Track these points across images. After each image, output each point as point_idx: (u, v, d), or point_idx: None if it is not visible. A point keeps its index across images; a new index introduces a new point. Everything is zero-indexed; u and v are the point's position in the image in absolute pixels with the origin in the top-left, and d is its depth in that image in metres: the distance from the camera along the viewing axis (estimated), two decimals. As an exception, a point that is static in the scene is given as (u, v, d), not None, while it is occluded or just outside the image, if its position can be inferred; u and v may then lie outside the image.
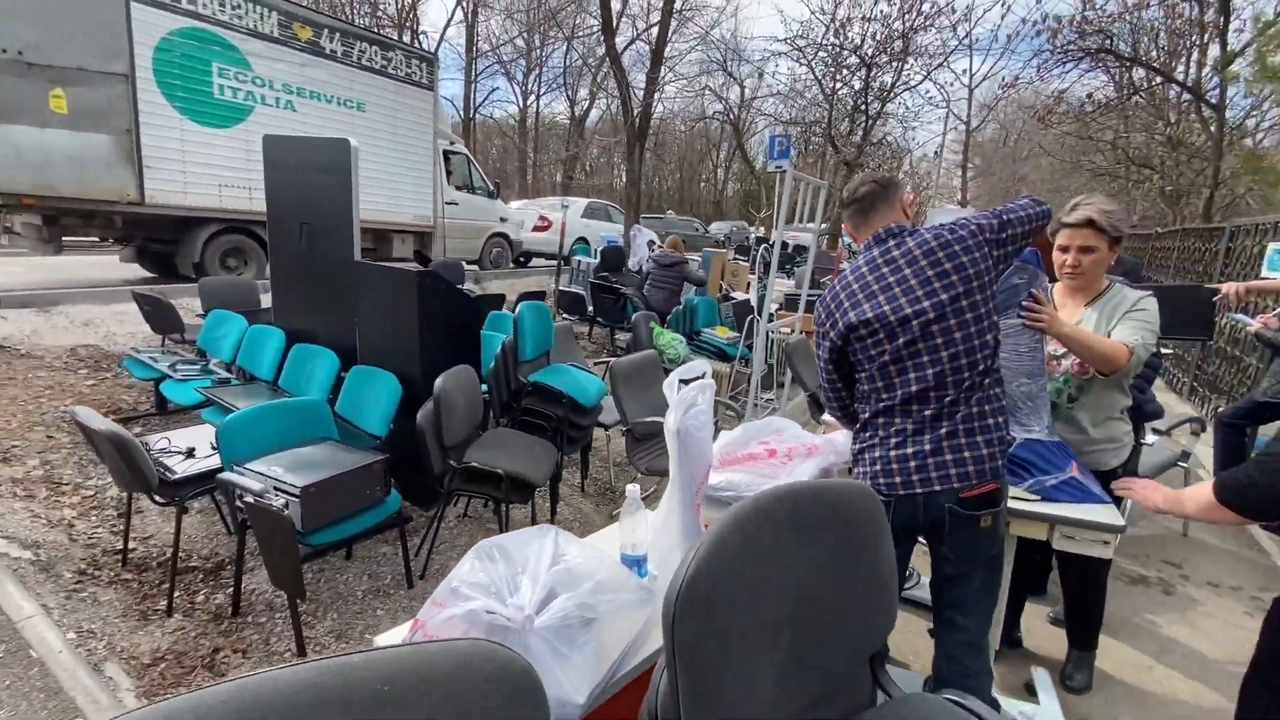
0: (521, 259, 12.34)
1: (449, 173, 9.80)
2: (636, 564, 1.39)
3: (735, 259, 12.32)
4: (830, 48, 10.60)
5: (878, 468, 1.68)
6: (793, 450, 1.92)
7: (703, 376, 1.77)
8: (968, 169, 27.35)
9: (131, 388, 4.67)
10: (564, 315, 7.45)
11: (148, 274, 7.89)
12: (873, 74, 10.55)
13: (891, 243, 1.70)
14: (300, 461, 2.47)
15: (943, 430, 1.61)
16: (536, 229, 12.01)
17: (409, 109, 8.62)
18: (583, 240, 12.35)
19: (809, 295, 8.18)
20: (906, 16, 9.89)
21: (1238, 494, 1.37)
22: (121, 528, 3.02)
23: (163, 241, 6.95)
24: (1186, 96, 9.88)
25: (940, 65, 11.66)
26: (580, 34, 24.80)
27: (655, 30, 17.88)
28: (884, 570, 1.10)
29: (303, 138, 3.84)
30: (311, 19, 7.46)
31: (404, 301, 3.25)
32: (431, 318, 3.25)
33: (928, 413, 1.62)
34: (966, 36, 11.52)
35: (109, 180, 5.89)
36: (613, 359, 3.69)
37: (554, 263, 12.98)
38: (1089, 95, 9.78)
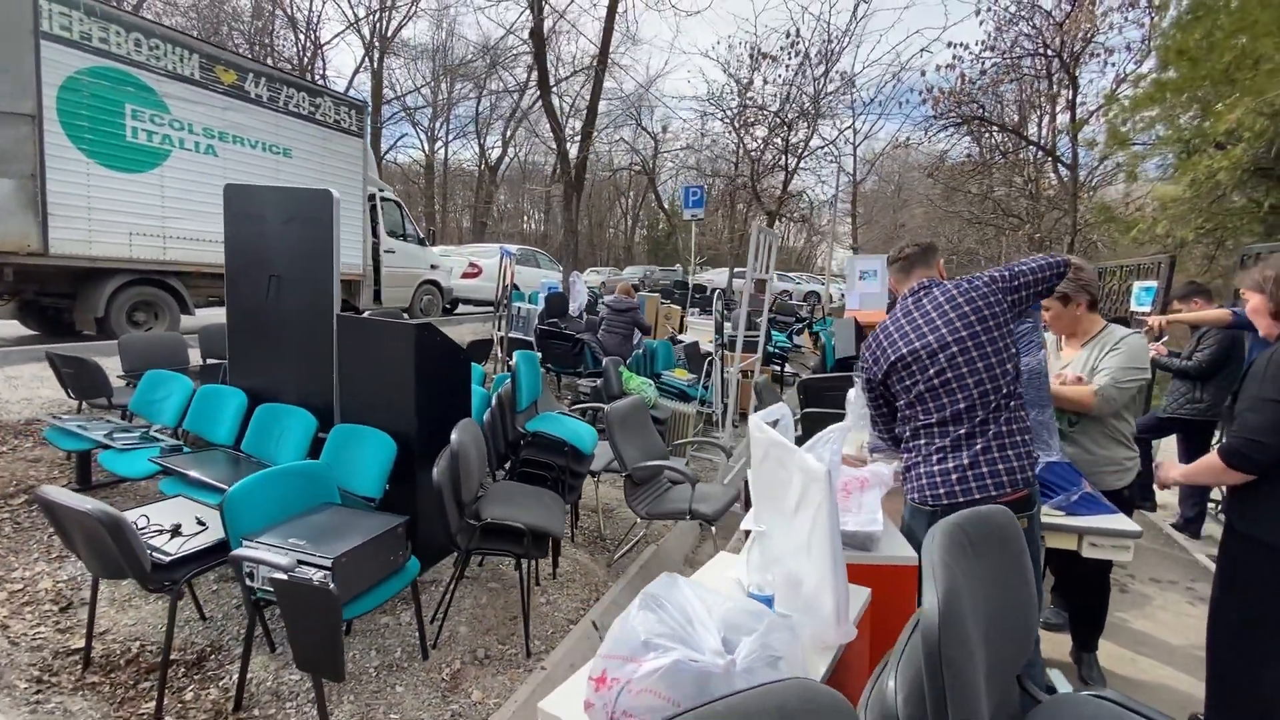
0: (448, 306, 12.06)
1: (374, 222, 9.52)
2: (767, 603, 1.44)
3: (664, 302, 12.70)
4: (749, 108, 11.48)
5: (923, 482, 1.92)
6: (848, 484, 2.04)
7: (780, 420, 1.88)
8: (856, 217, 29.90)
9: (38, 461, 4.12)
10: (511, 363, 7.35)
11: (29, 331, 7.02)
12: (792, 132, 11.56)
13: (922, 293, 1.98)
14: (317, 530, 2.30)
15: (978, 446, 1.84)
16: (466, 275, 11.82)
17: (338, 155, 8.35)
18: (514, 287, 12.26)
19: (745, 337, 8.62)
20: (817, 82, 10.97)
21: (1243, 459, 1.70)
22: (67, 624, 2.67)
23: (57, 295, 6.23)
24: (1044, 156, 11.52)
25: (849, 127, 12.98)
26: (491, 87, 25.13)
27: (581, 84, 18.47)
28: (1031, 586, 1.22)
29: (273, 188, 3.66)
30: (235, 62, 7.14)
31: (399, 355, 3.13)
32: (427, 371, 3.16)
33: (962, 431, 1.86)
34: (854, 102, 12.86)
35: (8, 229, 5.25)
36: (606, 405, 3.71)
37: (482, 310, 12.80)
38: (968, 155, 11.23)
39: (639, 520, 3.47)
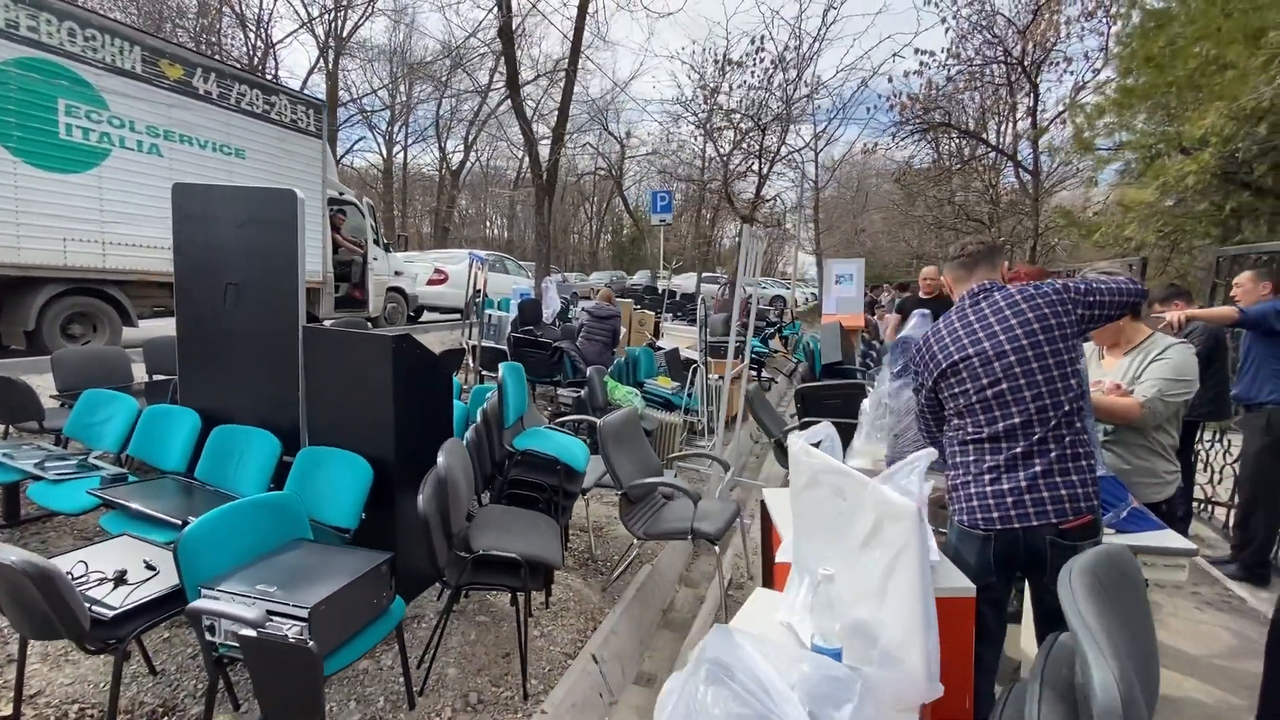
0: (413, 314, 11.63)
1: (336, 227, 9.09)
2: (835, 656, 1.26)
3: (636, 308, 12.53)
4: (718, 112, 11.42)
5: (974, 504, 1.76)
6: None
7: (824, 440, 1.70)
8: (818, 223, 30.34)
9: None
10: (485, 373, 7.05)
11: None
12: (764, 136, 11.52)
13: (982, 295, 1.82)
14: (288, 573, 2.02)
15: (1036, 468, 1.69)
16: (432, 282, 11.43)
17: (295, 157, 7.91)
18: (484, 294, 11.91)
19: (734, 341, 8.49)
20: (788, 86, 11.01)
21: None
22: (-12, 689, 2.32)
23: (-20, 307, 5.68)
24: (1007, 161, 11.80)
25: (820, 134, 13.03)
26: (454, 89, 24.66)
27: (547, 87, 18.16)
28: (1154, 633, 1.07)
29: (229, 187, 3.34)
30: (182, 56, 6.68)
31: (374, 371, 2.86)
32: (406, 387, 2.89)
33: (1018, 450, 1.71)
34: (815, 109, 12.91)
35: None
36: (596, 418, 3.49)
37: (447, 317, 12.39)
38: (934, 160, 11.43)
39: (634, 540, 3.26)
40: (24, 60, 5.35)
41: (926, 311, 2.59)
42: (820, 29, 9.99)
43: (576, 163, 26.33)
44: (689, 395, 5.87)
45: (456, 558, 2.45)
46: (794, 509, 1.62)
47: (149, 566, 2.23)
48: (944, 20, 9.82)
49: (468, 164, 31.29)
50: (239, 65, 20.26)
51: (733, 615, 1.65)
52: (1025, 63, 9.75)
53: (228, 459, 3.12)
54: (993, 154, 11.62)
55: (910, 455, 1.40)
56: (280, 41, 21.99)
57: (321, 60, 22.90)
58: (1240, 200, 6.48)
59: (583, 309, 6.55)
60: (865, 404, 2.61)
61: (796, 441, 1.57)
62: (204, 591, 1.90)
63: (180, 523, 2.60)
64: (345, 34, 23.43)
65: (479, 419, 3.20)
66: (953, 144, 11.88)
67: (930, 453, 1.44)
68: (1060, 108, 9.88)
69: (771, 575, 2.31)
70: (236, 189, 3.22)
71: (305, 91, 16.76)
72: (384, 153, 29.79)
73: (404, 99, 28.07)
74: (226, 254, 3.19)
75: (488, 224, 41.80)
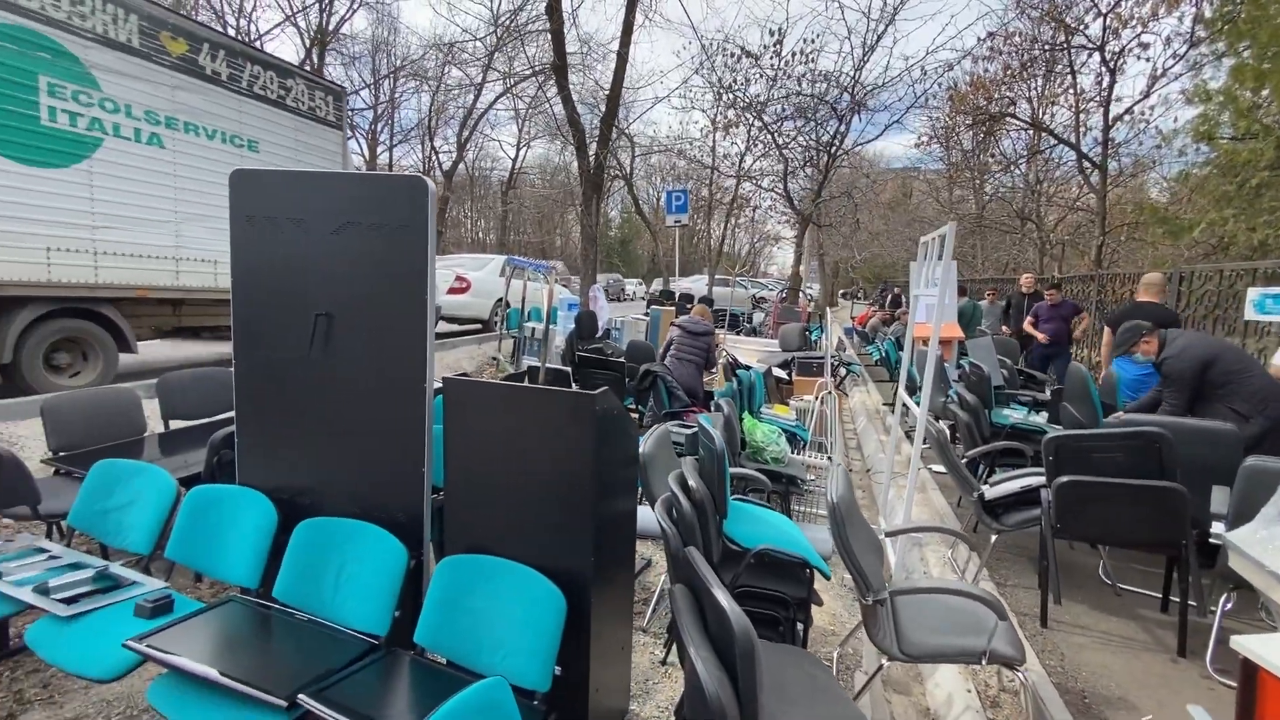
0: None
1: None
2: None
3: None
4: (779, 99, 10.52)
5: None
6: None
7: None
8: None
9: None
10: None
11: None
12: (821, 129, 10.64)
13: None
14: None
15: None
16: (452, 291, 10.37)
17: (314, 151, 6.86)
18: (502, 302, 10.88)
19: (803, 359, 7.54)
20: (857, 72, 10.10)
21: None
22: None
23: (-58, 335, 4.57)
24: (1061, 155, 11.10)
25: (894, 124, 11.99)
26: (444, 85, 23.52)
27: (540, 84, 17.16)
28: None
29: (323, 173, 2.34)
30: (187, 29, 5.61)
31: (563, 444, 1.91)
32: (605, 467, 1.94)
33: None
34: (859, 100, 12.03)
35: None
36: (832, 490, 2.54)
37: (468, 329, 11.32)
38: (994, 154, 10.69)
39: (883, 660, 2.33)
40: (-5, 26, 4.26)
41: None
42: (885, 7, 9.18)
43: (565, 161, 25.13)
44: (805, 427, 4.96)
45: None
46: None
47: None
48: (1018, 2, 9.05)
49: (459, 166, 30.04)
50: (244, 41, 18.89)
51: None
52: (1104, 49, 9.04)
53: (324, 571, 2.14)
54: (1051, 147, 10.91)
55: None
56: (267, 33, 20.66)
57: (310, 56, 21.58)
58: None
59: (674, 324, 5.61)
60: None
61: None
62: None
63: (285, 702, 1.64)
64: (331, 27, 22.14)
65: (679, 496, 2.24)
66: (1007, 137, 11.21)
67: None
68: (1139, 95, 9.19)
69: None
70: (333, 175, 2.23)
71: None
72: (365, 153, 28.44)
73: (388, 96, 26.78)
74: (316, 271, 2.20)
75: (469, 227, 40.55)
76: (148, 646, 1.80)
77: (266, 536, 2.26)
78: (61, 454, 3.16)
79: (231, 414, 3.78)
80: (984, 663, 2.23)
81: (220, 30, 14.69)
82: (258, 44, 20.01)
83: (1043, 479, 3.05)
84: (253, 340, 2.35)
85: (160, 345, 6.57)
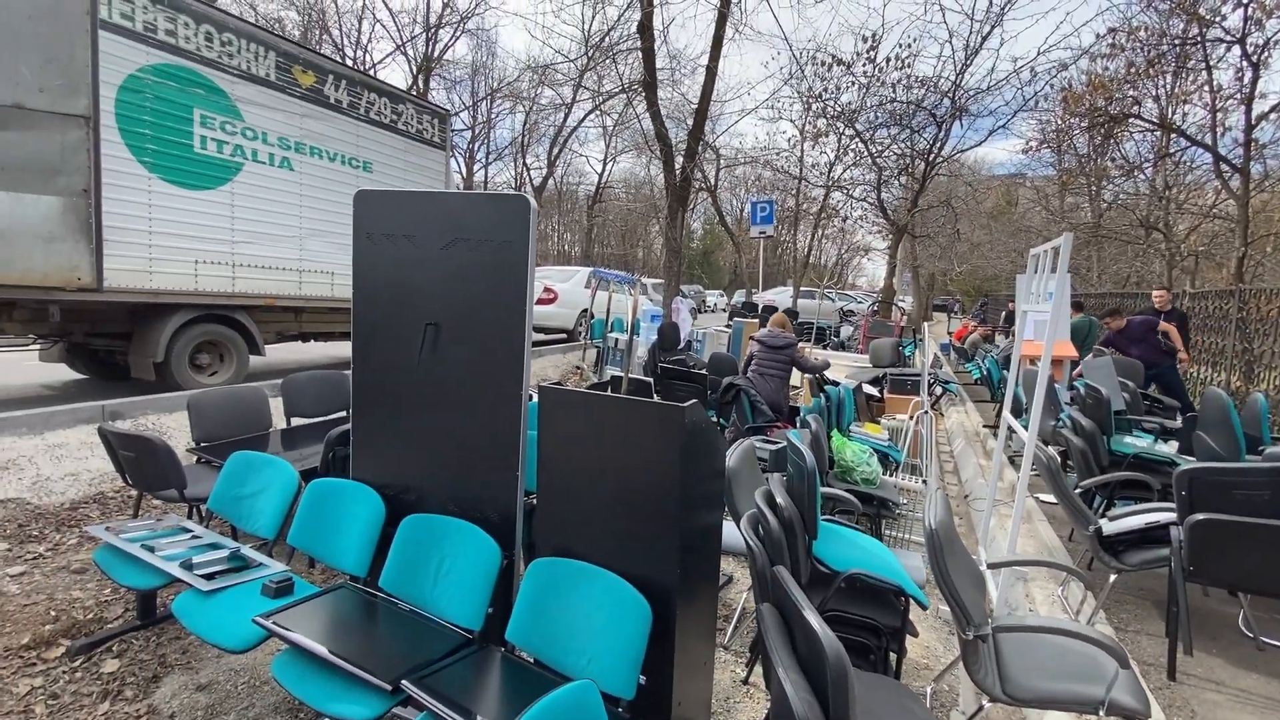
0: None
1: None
2: None
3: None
4: (883, 104, 10.21)
5: None
6: None
7: None
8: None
9: (83, 577, 3.02)
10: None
11: (78, 375, 6.05)
12: (918, 136, 10.25)
13: None
14: None
15: None
16: (540, 301, 10.73)
17: (420, 170, 7.35)
18: (586, 313, 11.15)
19: (896, 375, 7.21)
20: (959, 76, 9.66)
21: None
22: None
23: (110, 336, 5.24)
24: (1193, 158, 10.05)
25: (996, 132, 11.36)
26: (537, 104, 24.51)
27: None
28: None
29: (435, 192, 2.53)
30: (315, 62, 6.19)
31: (651, 456, 1.94)
32: (693, 481, 1.95)
33: None
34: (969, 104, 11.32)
35: (53, 259, 4.25)
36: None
37: (554, 338, 11.70)
38: (1115, 159, 9.84)
39: (984, 701, 2.18)
40: (162, 67, 4.88)
41: None
42: (990, 7, 8.70)
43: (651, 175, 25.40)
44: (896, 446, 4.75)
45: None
46: None
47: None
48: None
49: (550, 181, 31.14)
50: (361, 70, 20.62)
51: None
52: (1245, 42, 8.14)
53: (426, 564, 2.27)
54: (1184, 149, 9.88)
55: None
56: (380, 62, 22.35)
57: (415, 81, 23.14)
58: None
59: (753, 339, 5.55)
60: None
61: None
62: None
63: (389, 686, 1.75)
64: (436, 54, 23.64)
65: (767, 513, 2.21)
66: (1131, 139, 10.25)
67: None
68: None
69: None
70: (444, 194, 2.40)
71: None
72: (464, 171, 30.04)
73: (485, 117, 28.17)
74: (426, 284, 2.37)
75: (554, 239, 41.79)
76: (273, 623, 1.98)
77: (376, 529, 2.43)
78: (203, 444, 3.53)
79: (344, 413, 4.12)
80: (1102, 713, 2.05)
81: (340, 60, 16.07)
82: (372, 72, 21.72)
83: (1173, 515, 2.77)
84: (369, 347, 2.55)
85: (276, 349, 7.19)
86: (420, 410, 2.45)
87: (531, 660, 2.04)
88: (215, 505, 2.82)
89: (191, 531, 2.70)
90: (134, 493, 3.46)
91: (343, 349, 7.35)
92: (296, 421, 4.18)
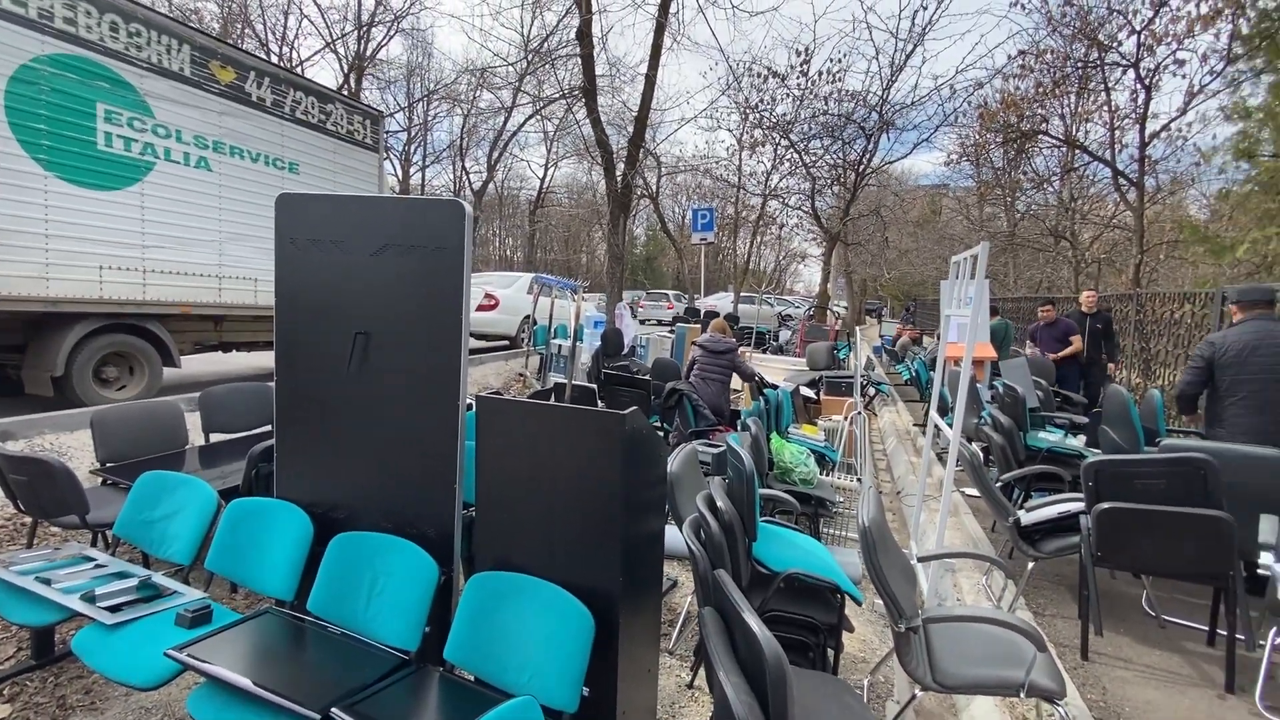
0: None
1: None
2: None
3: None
4: (806, 119, 10.59)
5: None
6: None
7: None
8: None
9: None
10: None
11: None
12: (848, 148, 10.68)
13: None
14: None
15: None
16: (481, 308, 10.53)
17: (351, 172, 7.08)
18: (529, 319, 11.01)
19: (832, 378, 7.46)
20: (884, 91, 10.17)
21: None
22: None
23: (2, 349, 4.80)
24: (1095, 173, 10.89)
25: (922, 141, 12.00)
26: (475, 107, 24.11)
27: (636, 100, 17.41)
28: None
29: (363, 197, 2.43)
30: (235, 58, 5.87)
31: (592, 464, 1.92)
32: (633, 488, 1.95)
33: None
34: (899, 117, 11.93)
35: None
36: (860, 515, 2.51)
37: (496, 345, 11.48)
38: (1023, 172, 10.56)
39: (916, 690, 2.26)
40: (59, 58, 4.52)
41: None
42: (914, 25, 9.19)
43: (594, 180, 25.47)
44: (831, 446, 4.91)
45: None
46: None
47: None
48: (1050, 19, 8.95)
49: (490, 185, 30.64)
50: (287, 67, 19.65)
51: None
52: (1139, 65, 8.89)
53: (358, 585, 2.17)
54: (1086, 164, 10.69)
55: None
56: (308, 60, 21.44)
57: (347, 80, 22.33)
58: None
59: (695, 343, 5.61)
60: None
61: None
62: None
63: (318, 715, 1.66)
64: (368, 53, 22.90)
65: (708, 517, 2.23)
66: (1040, 154, 11.04)
67: None
68: (1175, 112, 8.99)
69: None
70: (374, 199, 2.31)
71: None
72: (399, 174, 29.19)
73: (421, 119, 27.48)
74: (354, 293, 2.27)
75: (495, 244, 41.20)
76: (188, 656, 1.84)
77: (302, 550, 2.31)
78: (109, 465, 3.27)
79: (269, 428, 3.90)
80: (1023, 695, 2.16)
81: (264, 57, 15.31)
82: (299, 70, 20.80)
83: (1082, 505, 2.97)
84: (293, 358, 2.43)
85: (193, 360, 6.77)
86: (350, 423, 2.35)
87: (471, 679, 1.98)
88: (122, 530, 2.62)
89: (95, 560, 2.49)
90: (28, 520, 3.15)
91: (269, 359, 7.00)
92: (216, 437, 3.94)
